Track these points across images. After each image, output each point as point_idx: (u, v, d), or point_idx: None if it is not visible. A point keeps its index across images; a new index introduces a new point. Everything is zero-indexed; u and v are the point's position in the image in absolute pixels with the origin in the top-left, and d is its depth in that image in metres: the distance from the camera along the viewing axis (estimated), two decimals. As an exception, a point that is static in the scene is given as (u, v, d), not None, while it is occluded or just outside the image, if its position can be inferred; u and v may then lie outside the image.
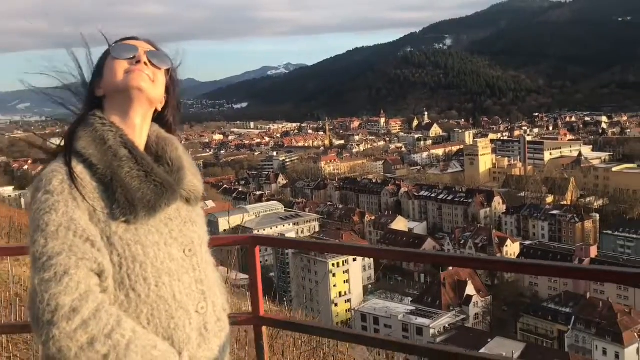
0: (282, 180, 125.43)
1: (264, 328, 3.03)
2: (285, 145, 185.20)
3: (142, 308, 1.43)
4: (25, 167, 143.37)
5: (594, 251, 67.72)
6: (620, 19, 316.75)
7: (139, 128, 1.57)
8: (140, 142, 1.57)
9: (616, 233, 76.59)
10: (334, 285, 61.91)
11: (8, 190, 65.80)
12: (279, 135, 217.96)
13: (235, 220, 59.48)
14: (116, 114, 1.55)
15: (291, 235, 63.76)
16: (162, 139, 1.64)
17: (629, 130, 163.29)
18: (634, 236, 74.46)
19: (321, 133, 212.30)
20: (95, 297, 1.31)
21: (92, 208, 1.41)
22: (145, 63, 1.55)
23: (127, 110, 1.55)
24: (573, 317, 52.43)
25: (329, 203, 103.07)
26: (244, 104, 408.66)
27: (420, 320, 50.96)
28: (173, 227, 1.54)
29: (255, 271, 3.00)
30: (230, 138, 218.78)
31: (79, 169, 1.44)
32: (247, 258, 2.99)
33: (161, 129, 1.67)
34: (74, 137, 1.50)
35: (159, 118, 1.66)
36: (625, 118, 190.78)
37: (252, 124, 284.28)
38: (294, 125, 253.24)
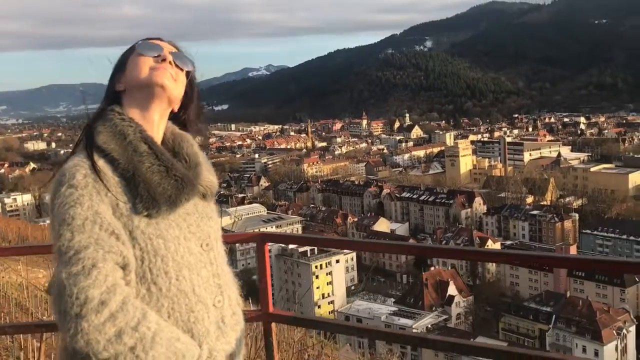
0: (264, 182, 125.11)
1: (273, 324, 3.07)
2: (267, 147, 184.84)
3: (163, 302, 1.45)
4: (2, 170, 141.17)
5: (573, 250, 68.58)
6: (596, 22, 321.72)
7: (157, 124, 1.60)
8: (158, 138, 1.60)
9: (595, 232, 77.67)
10: (317, 287, 61.92)
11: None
12: (260, 137, 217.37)
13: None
14: (135, 109, 1.58)
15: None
16: (178, 135, 1.67)
17: (606, 131, 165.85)
18: (612, 235, 75.57)
19: (303, 135, 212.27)
20: (122, 290, 1.33)
21: (115, 202, 1.43)
22: (170, 62, 1.59)
23: (147, 106, 1.58)
24: (554, 316, 53.05)
25: (312, 205, 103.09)
26: (225, 106, 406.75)
27: (403, 321, 51.19)
28: (191, 221, 1.56)
29: (265, 268, 3.06)
30: (211, 140, 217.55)
31: (100, 163, 1.45)
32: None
33: (175, 126, 1.70)
34: (94, 132, 1.52)
35: (172, 118, 1.69)
36: (602, 119, 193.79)
37: (233, 126, 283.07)
38: (276, 127, 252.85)
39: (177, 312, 1.46)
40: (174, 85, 1.58)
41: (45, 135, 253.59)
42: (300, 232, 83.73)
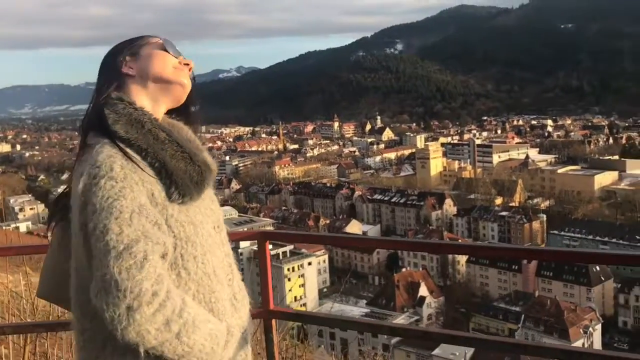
0: (235, 185, 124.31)
1: (273, 321, 3.13)
2: (238, 149, 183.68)
3: (190, 285, 1.50)
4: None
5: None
6: (563, 26, 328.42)
7: (160, 117, 1.65)
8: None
9: (562, 233, 79.14)
10: (290, 290, 61.67)
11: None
12: (231, 140, 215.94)
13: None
14: (145, 98, 1.61)
15: (245, 242, 63.06)
16: (171, 124, 1.69)
17: (572, 133, 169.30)
18: (579, 235, 77.10)
19: (275, 137, 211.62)
20: (167, 280, 1.38)
21: (150, 191, 1.45)
22: (190, 68, 1.68)
23: (160, 99, 1.64)
24: (522, 315, 53.85)
25: (284, 207, 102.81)
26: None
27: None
28: (207, 205, 1.62)
29: (266, 266, 3.11)
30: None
31: (130, 152, 1.46)
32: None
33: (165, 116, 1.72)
34: (106, 120, 1.51)
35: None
36: (569, 121, 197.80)
37: (203, 128, 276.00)
38: (247, 129, 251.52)
39: (202, 293, 1.52)
40: (188, 88, 1.67)
41: (10, 137, 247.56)
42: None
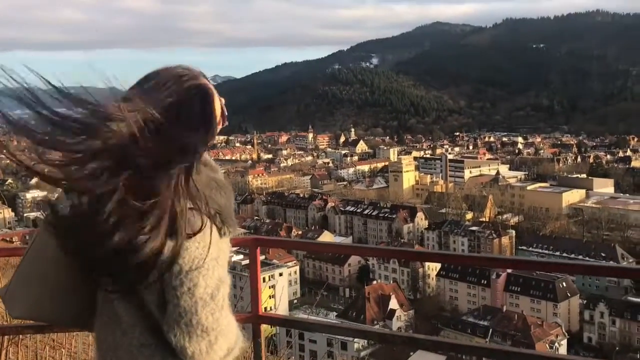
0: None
1: (262, 326, 3.23)
2: (212, 158, 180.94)
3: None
4: None
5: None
6: (534, 46, 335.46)
7: None
8: None
9: (530, 249, 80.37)
10: (260, 301, 61.29)
11: None
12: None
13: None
14: None
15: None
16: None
17: (542, 151, 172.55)
18: (547, 252, 78.35)
19: (249, 146, 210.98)
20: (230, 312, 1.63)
21: (214, 236, 1.57)
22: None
23: None
24: (490, 329, 54.42)
25: (256, 217, 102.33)
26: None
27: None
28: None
29: (256, 272, 3.21)
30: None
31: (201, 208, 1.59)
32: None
33: None
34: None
35: None
36: (539, 139, 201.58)
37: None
38: (221, 138, 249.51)
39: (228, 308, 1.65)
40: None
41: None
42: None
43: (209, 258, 1.51)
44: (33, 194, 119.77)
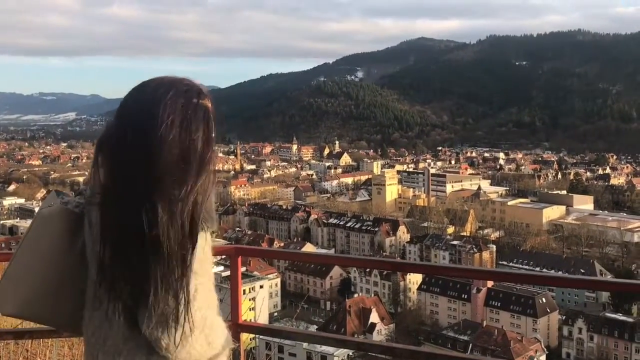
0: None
1: (242, 334, 3.29)
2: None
3: (209, 300, 1.69)
4: None
5: (490, 281, 70.97)
6: (517, 63, 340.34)
7: None
8: None
9: (511, 264, 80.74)
10: (240, 313, 60.76)
11: None
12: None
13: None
14: None
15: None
16: None
17: (523, 167, 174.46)
18: (527, 267, 78.75)
19: (232, 157, 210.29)
20: (206, 301, 1.67)
21: None
22: None
23: None
24: (470, 344, 54.45)
25: (238, 229, 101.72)
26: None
27: (325, 348, 50.84)
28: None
29: (237, 281, 3.22)
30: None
31: None
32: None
33: None
34: None
35: None
36: (520, 155, 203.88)
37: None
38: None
39: (211, 306, 1.69)
40: None
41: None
42: (224, 255, 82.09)
43: None
44: (10, 201, 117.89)
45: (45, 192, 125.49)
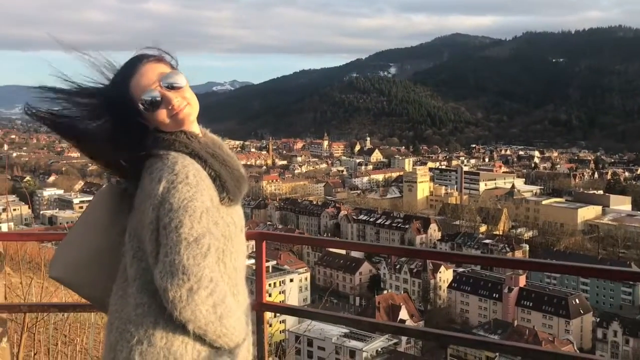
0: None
1: (265, 313, 3.55)
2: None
3: (224, 277, 1.76)
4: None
5: (522, 280, 70.10)
6: (554, 60, 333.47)
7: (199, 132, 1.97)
8: None
9: (544, 263, 79.56)
10: (270, 306, 61.34)
11: None
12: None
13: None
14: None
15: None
16: (212, 141, 1.96)
17: (558, 166, 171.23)
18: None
19: (264, 152, 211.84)
20: (217, 270, 1.70)
21: (211, 196, 1.73)
22: (174, 101, 1.82)
23: (187, 127, 1.88)
24: (501, 344, 53.87)
25: (269, 223, 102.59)
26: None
27: (354, 343, 51.14)
28: (239, 209, 1.93)
29: (261, 264, 3.49)
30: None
31: (198, 165, 1.76)
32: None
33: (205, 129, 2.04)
34: (176, 142, 1.80)
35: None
36: (555, 154, 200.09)
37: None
38: (237, 142, 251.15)
39: (230, 285, 1.78)
40: (192, 110, 1.87)
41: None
42: (254, 249, 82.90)
43: (199, 204, 1.66)
44: (50, 192, 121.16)
45: (83, 183, 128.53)
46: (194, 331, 1.65)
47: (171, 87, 1.82)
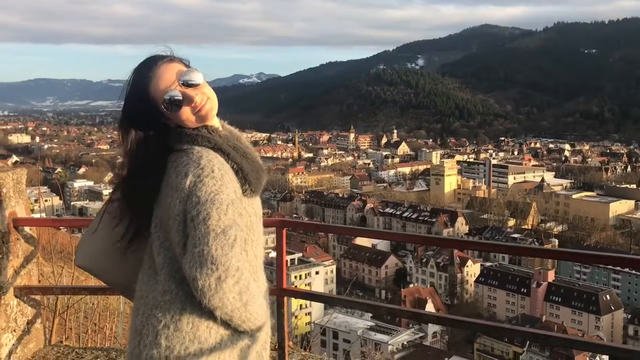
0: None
1: (285, 298, 3.65)
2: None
3: (246, 264, 1.82)
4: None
5: (551, 275, 69.11)
6: (586, 51, 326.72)
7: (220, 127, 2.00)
8: None
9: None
10: (295, 298, 61.57)
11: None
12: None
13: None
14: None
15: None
16: (232, 133, 2.00)
17: (589, 159, 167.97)
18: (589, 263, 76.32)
19: (290, 145, 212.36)
20: (243, 259, 1.77)
21: (234, 188, 1.79)
22: (196, 98, 1.86)
23: (207, 122, 1.91)
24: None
25: (295, 215, 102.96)
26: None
27: (379, 337, 51.09)
28: (259, 200, 1.98)
29: (282, 251, 3.61)
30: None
31: (222, 159, 1.82)
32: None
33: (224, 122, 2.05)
34: (199, 137, 1.84)
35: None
36: (587, 147, 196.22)
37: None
38: (264, 135, 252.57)
39: (250, 271, 1.83)
40: (213, 104, 1.90)
41: (30, 128, 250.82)
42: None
43: (225, 196, 1.73)
44: (80, 184, 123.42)
45: (112, 175, 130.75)
46: (221, 317, 1.73)
47: (190, 85, 1.85)
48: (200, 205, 1.70)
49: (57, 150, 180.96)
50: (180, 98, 1.84)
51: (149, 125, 1.88)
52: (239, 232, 1.74)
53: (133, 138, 1.87)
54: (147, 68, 1.86)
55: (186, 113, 1.85)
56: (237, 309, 1.72)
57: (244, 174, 1.85)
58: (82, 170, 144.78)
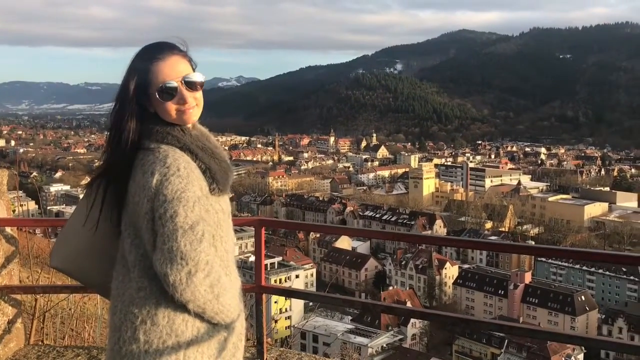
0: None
1: (263, 295, 3.72)
2: (233, 158, 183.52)
3: (217, 259, 1.86)
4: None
5: (528, 277, 70.01)
6: (561, 56, 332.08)
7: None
8: None
9: (549, 261, 79.50)
10: (275, 302, 61.40)
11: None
12: (227, 148, 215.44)
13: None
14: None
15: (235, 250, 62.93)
16: (201, 132, 2.03)
17: (565, 162, 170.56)
18: (565, 264, 77.49)
19: (270, 148, 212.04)
20: (212, 253, 1.82)
21: (201, 186, 1.84)
22: (188, 99, 1.91)
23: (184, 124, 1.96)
24: (506, 340, 53.95)
25: (275, 218, 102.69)
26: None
27: (359, 339, 51.22)
28: (227, 198, 2.02)
29: (260, 249, 3.65)
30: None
31: (188, 157, 1.87)
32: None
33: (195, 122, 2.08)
34: (169, 135, 1.89)
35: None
36: (562, 150, 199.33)
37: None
38: (243, 138, 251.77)
39: (221, 266, 1.89)
40: (198, 111, 1.96)
41: (5, 132, 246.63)
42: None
43: (191, 194, 1.78)
44: (56, 188, 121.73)
45: (89, 179, 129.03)
46: (194, 310, 1.77)
47: (190, 86, 1.91)
48: (167, 203, 1.74)
49: (33, 154, 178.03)
50: (176, 92, 1.88)
51: (136, 102, 1.88)
52: (206, 228, 1.78)
53: (114, 119, 1.89)
54: (161, 50, 1.91)
55: (171, 108, 1.89)
56: (209, 301, 1.76)
57: (212, 173, 1.88)
58: (58, 174, 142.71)
